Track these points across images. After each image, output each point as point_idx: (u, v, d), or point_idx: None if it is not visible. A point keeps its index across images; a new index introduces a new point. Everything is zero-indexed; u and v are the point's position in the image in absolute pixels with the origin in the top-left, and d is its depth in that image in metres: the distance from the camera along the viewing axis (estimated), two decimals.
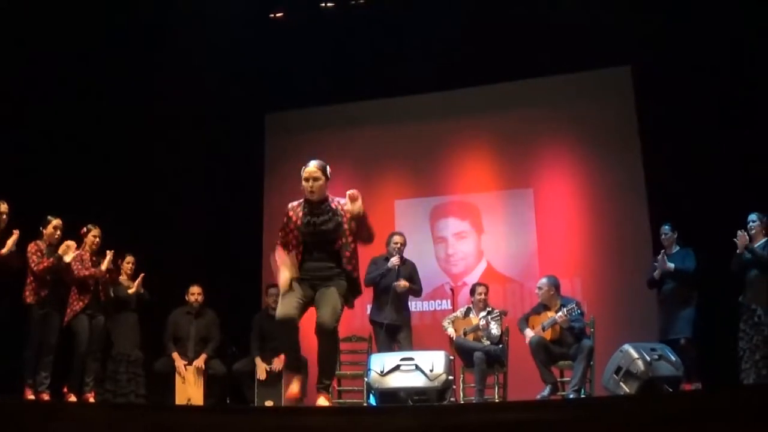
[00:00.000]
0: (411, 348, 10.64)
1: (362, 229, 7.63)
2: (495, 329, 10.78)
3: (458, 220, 13.88)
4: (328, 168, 7.68)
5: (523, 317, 10.84)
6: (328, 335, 7.46)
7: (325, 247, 7.61)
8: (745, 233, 10.02)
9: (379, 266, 11.10)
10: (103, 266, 10.51)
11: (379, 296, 11.08)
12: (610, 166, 13.01)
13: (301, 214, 7.62)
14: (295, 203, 7.74)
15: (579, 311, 10.19)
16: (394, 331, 10.88)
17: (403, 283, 10.90)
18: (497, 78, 13.57)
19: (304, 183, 7.58)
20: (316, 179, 7.56)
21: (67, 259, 10.01)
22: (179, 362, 11.26)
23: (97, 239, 10.69)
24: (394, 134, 14.18)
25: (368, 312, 11.75)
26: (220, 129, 13.87)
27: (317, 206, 7.60)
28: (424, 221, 13.90)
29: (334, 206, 7.61)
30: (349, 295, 7.78)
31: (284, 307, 7.38)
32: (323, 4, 13.16)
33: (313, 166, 7.62)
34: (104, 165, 12.62)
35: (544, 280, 10.75)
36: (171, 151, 13.23)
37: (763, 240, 10.06)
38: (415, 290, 11.22)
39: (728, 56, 11.60)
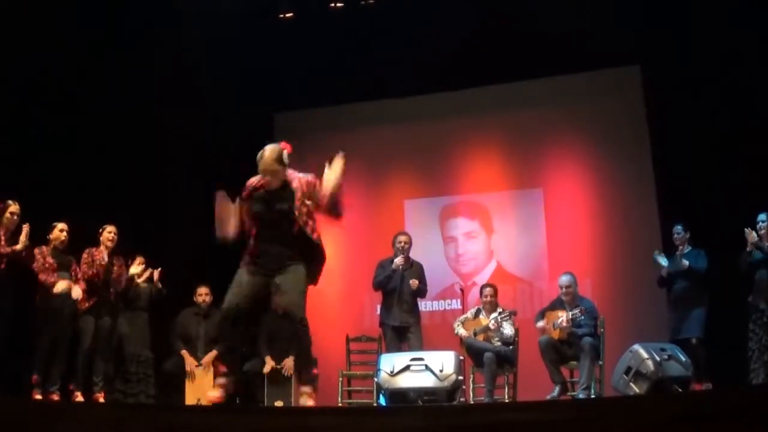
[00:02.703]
0: (421, 348, 10.64)
1: (333, 204, 7.50)
2: (508, 329, 10.77)
3: (468, 219, 13.88)
4: (285, 154, 7.53)
5: (540, 312, 10.86)
6: (294, 322, 7.26)
7: (282, 231, 7.37)
8: (753, 231, 10.02)
9: (386, 269, 11.12)
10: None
11: (387, 298, 11.14)
12: (619, 166, 13.00)
13: (258, 193, 7.47)
14: (254, 180, 7.60)
15: (584, 318, 10.17)
16: (404, 332, 10.90)
17: (414, 282, 10.92)
18: (506, 78, 13.56)
19: (260, 169, 7.48)
20: (273, 172, 7.44)
21: (73, 295, 10.08)
22: (189, 360, 11.26)
23: (111, 237, 10.70)
24: (403, 134, 14.17)
25: (378, 312, 11.77)
26: (229, 129, 13.86)
27: (276, 191, 7.43)
28: (434, 221, 13.90)
29: (294, 186, 7.44)
30: (314, 271, 7.63)
31: (232, 296, 7.20)
32: (332, 4, 13.15)
33: (267, 157, 7.44)
34: (112, 166, 12.60)
35: (569, 278, 10.71)
36: (179, 152, 13.23)
37: None
38: (421, 290, 11.24)
39: (738, 54, 11.56)
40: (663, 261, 10.92)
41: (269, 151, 7.44)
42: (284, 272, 7.27)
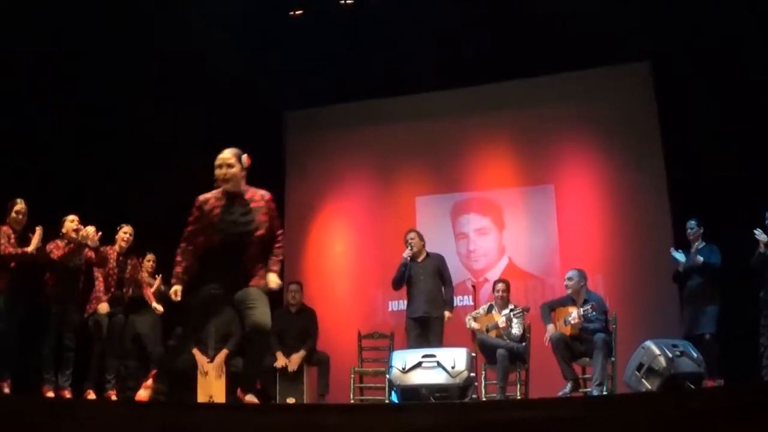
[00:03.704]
0: (439, 344, 10.65)
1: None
2: (516, 329, 10.77)
3: (479, 216, 13.88)
4: (244, 157, 7.28)
5: (548, 305, 10.83)
6: (265, 336, 7.00)
7: (243, 248, 7.08)
8: (762, 232, 10.01)
9: (406, 266, 11.17)
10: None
11: (410, 291, 11.25)
12: (631, 162, 12.98)
13: (217, 208, 7.11)
14: (210, 195, 7.24)
15: (594, 313, 10.15)
16: (426, 323, 10.93)
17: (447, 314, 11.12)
18: (517, 74, 13.55)
19: (216, 171, 7.16)
20: (230, 166, 7.14)
21: (90, 243, 10.07)
22: (200, 358, 11.27)
23: (128, 235, 10.75)
24: (414, 131, 14.18)
25: (390, 309, 11.84)
26: (240, 127, 13.86)
27: (235, 201, 7.14)
28: (445, 218, 13.90)
29: (255, 203, 7.22)
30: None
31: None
32: (342, 1, 13.14)
33: (227, 152, 7.21)
34: (126, 166, 12.64)
35: (574, 272, 10.71)
36: (191, 150, 13.23)
37: None
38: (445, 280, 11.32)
39: (749, 49, 11.52)
40: (680, 257, 10.90)
41: (230, 148, 7.34)
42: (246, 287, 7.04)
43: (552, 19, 12.19)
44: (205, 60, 12.75)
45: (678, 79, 12.27)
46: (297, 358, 11.22)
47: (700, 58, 11.96)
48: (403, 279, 11.16)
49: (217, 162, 7.16)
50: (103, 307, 10.28)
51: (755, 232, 10.00)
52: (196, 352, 11.33)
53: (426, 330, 10.94)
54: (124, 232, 10.73)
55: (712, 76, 11.82)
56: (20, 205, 9.83)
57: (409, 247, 11.14)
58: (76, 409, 6.27)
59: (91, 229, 10.07)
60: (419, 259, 11.20)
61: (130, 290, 10.92)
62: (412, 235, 11.35)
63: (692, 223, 11.01)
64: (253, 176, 13.58)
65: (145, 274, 11.40)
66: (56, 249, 10.06)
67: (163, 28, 12.50)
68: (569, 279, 10.71)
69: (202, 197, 7.20)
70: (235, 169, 7.14)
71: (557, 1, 12.12)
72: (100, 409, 6.60)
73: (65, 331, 10.06)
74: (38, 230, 9.71)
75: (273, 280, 7.17)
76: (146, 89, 12.74)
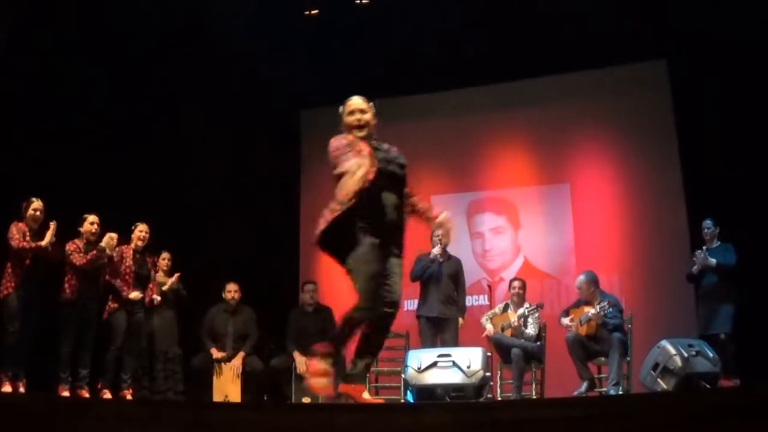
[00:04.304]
0: (455, 344, 10.66)
1: None
2: (531, 329, 10.78)
3: (495, 215, 13.88)
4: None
5: (564, 310, 10.86)
6: (395, 313, 6.47)
7: (397, 190, 6.63)
8: None
9: (423, 261, 11.16)
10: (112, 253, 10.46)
11: (424, 289, 11.25)
12: (646, 161, 12.97)
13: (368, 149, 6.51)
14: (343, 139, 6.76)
15: (612, 309, 10.16)
16: (440, 324, 10.94)
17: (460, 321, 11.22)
18: (533, 73, 13.54)
19: (348, 118, 6.88)
20: (363, 111, 6.89)
21: (109, 252, 10.10)
22: (217, 355, 11.30)
23: (143, 234, 10.78)
24: (430, 130, 14.18)
25: (406, 308, 11.80)
26: (256, 126, 13.90)
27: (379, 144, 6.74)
28: (461, 217, 13.87)
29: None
30: None
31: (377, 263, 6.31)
32: (358, 1, 13.13)
33: (357, 98, 6.98)
34: (142, 165, 12.68)
35: (582, 278, 10.73)
36: (207, 150, 13.28)
37: None
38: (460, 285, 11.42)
39: (766, 46, 11.49)
40: (699, 259, 10.87)
41: (357, 96, 7.08)
42: (396, 249, 6.65)
43: (569, 18, 12.17)
44: (222, 59, 12.79)
45: (694, 78, 12.25)
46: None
47: (717, 56, 11.92)
48: (424, 275, 11.18)
49: (349, 109, 6.90)
50: (135, 295, 10.37)
51: None
52: (212, 350, 11.37)
53: (440, 331, 10.96)
54: (140, 231, 10.76)
55: (728, 74, 11.78)
56: (37, 203, 9.88)
57: (440, 245, 11.13)
58: (96, 409, 6.29)
59: (114, 237, 10.11)
60: (441, 259, 11.21)
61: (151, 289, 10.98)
62: (444, 231, 11.33)
63: (708, 222, 11.00)
64: (269, 173, 13.67)
65: (160, 273, 11.44)
66: (77, 252, 10.09)
67: (181, 27, 12.53)
68: (579, 288, 10.74)
69: (335, 141, 6.78)
70: (369, 115, 6.90)
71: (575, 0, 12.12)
72: (117, 409, 6.62)
73: (85, 330, 10.09)
74: (52, 225, 9.76)
75: (443, 215, 7.04)
76: (165, 88, 12.77)
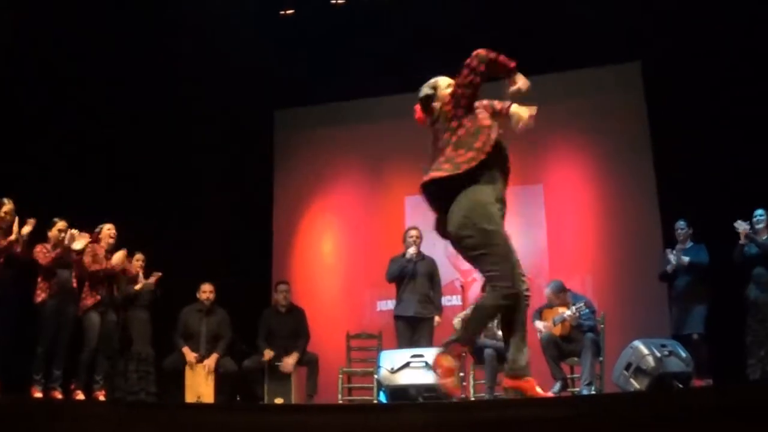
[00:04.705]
0: (429, 345, 10.67)
1: None
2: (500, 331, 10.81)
3: None
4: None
5: (537, 310, 10.85)
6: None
7: None
8: (746, 224, 10.12)
9: (398, 262, 11.18)
10: (115, 261, 10.54)
11: (400, 290, 11.26)
12: (620, 162, 13.02)
13: None
14: None
15: (588, 310, 10.20)
16: (418, 323, 10.96)
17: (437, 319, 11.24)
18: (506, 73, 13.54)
19: (447, 90, 7.00)
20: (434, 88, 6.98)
21: (76, 246, 10.06)
22: (190, 356, 11.25)
23: (112, 233, 10.74)
24: (404, 130, 14.08)
25: (378, 308, 11.83)
26: (230, 126, 13.87)
27: None
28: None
29: None
30: None
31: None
32: (334, 1, 13.12)
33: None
34: (114, 164, 12.64)
35: (550, 289, 10.76)
36: (180, 149, 13.24)
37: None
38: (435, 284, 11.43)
39: (739, 50, 11.54)
40: (673, 258, 10.90)
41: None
42: None
43: (542, 19, 12.20)
44: (195, 59, 12.75)
45: (668, 79, 12.29)
46: (292, 360, 11.23)
47: (690, 57, 11.98)
48: (400, 275, 11.20)
49: (446, 83, 7.10)
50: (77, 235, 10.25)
51: (735, 224, 10.12)
52: (185, 349, 11.33)
53: (416, 331, 10.96)
54: (108, 229, 10.75)
55: (701, 75, 11.83)
56: (8, 205, 9.81)
57: (415, 245, 11.19)
58: (69, 410, 6.26)
59: (75, 233, 10.07)
60: (416, 259, 11.24)
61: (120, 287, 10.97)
62: (417, 232, 11.37)
63: (681, 223, 11.06)
64: (242, 175, 13.66)
65: (132, 274, 11.40)
66: (42, 253, 10.06)
67: (153, 26, 12.49)
68: (549, 298, 10.77)
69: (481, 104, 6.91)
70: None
71: (548, 1, 12.14)
72: (91, 410, 6.59)
73: (60, 331, 10.05)
74: (29, 222, 9.71)
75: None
76: (133, 87, 12.73)
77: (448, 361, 6.04)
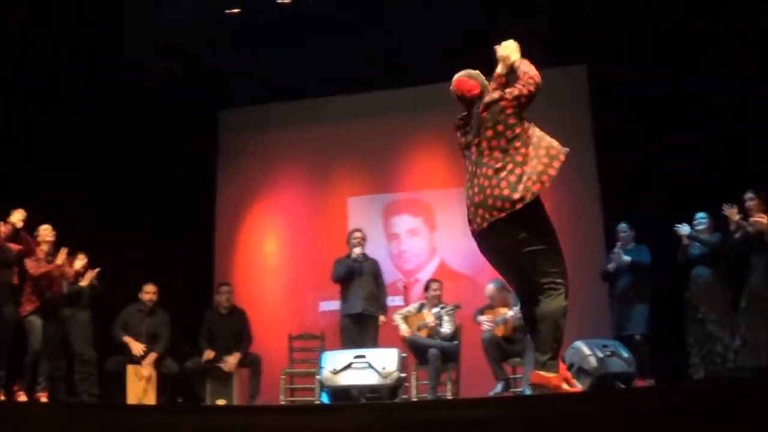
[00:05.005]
0: (374, 344, 10.72)
1: None
2: (447, 327, 10.83)
3: (411, 216, 13.93)
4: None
5: (478, 310, 10.88)
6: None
7: None
8: (687, 227, 10.25)
9: (343, 263, 11.21)
10: (59, 260, 10.50)
11: (347, 288, 11.27)
12: (564, 164, 13.06)
13: None
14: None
15: None
16: (364, 321, 11.01)
17: (382, 319, 11.27)
18: (450, 76, 13.57)
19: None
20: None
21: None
22: (134, 345, 11.17)
23: (49, 234, 10.67)
24: (347, 131, 14.20)
25: (321, 309, 11.85)
26: (174, 125, 13.79)
27: None
28: (378, 218, 13.92)
29: None
30: None
31: None
32: (280, 0, 13.08)
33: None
34: (56, 163, 12.53)
35: (490, 287, 10.80)
36: (124, 148, 13.14)
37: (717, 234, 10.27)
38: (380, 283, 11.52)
39: (683, 54, 11.63)
40: (686, 229, 10.79)
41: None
42: None
43: (487, 21, 12.23)
44: (137, 57, 12.65)
45: (613, 83, 12.36)
46: (234, 359, 11.20)
47: (635, 61, 12.06)
48: (347, 274, 11.21)
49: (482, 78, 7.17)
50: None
51: (675, 228, 10.27)
52: (128, 339, 11.23)
53: (362, 329, 10.97)
54: (45, 230, 10.68)
55: (646, 79, 11.91)
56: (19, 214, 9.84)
57: (360, 246, 11.25)
58: (13, 412, 6.20)
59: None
60: (361, 260, 11.25)
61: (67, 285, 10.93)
62: (361, 234, 11.41)
63: (623, 226, 11.13)
64: (186, 176, 13.58)
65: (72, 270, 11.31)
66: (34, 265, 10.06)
67: (96, 25, 12.40)
68: (490, 297, 10.81)
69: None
70: None
71: (491, 3, 12.17)
72: (33, 411, 6.54)
73: (1, 332, 9.97)
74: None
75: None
76: (78, 87, 12.64)
77: (557, 378, 6.24)
